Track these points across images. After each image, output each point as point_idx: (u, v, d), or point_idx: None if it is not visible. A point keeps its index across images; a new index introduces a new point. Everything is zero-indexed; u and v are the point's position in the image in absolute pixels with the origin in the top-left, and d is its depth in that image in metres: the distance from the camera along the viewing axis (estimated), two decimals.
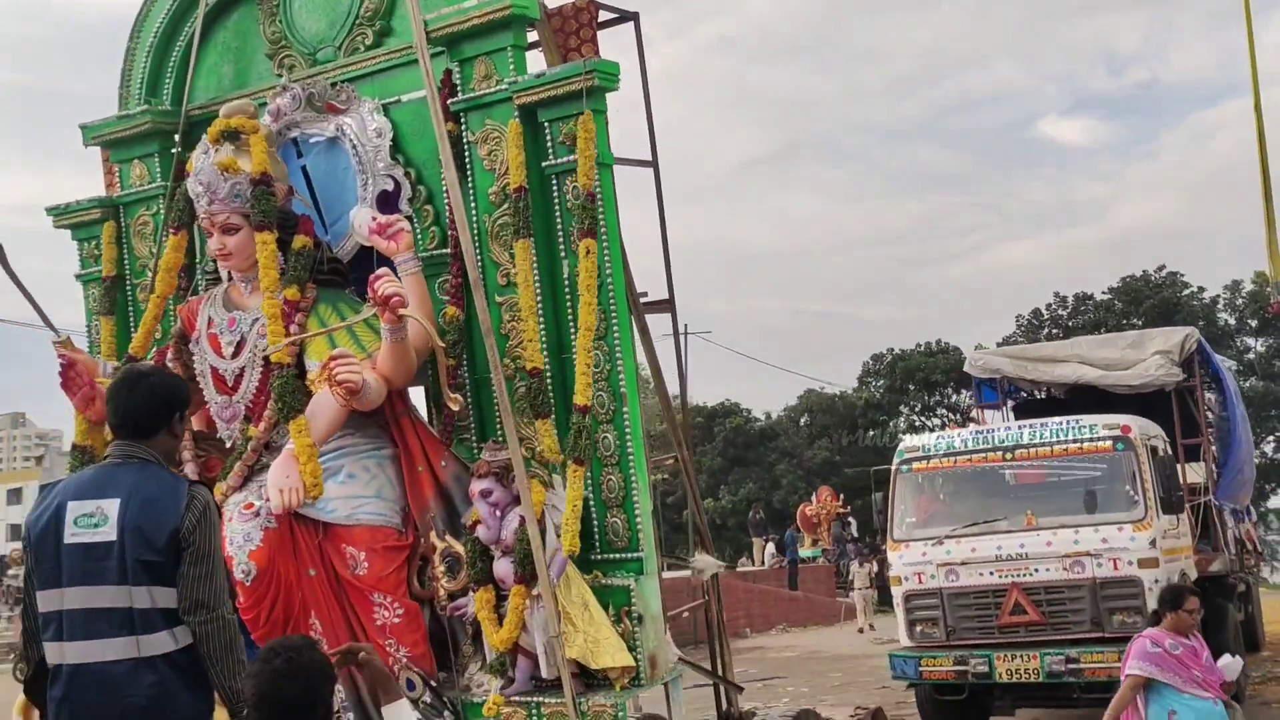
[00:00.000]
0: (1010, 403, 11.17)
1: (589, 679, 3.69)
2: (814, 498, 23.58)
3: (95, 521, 2.61)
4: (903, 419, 31.16)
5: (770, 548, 21.64)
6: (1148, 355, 10.54)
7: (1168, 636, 4.04)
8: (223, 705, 2.69)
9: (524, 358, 3.84)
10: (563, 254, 3.92)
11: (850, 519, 23.40)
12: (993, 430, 9.19)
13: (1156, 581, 9.47)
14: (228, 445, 4.10)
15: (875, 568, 17.79)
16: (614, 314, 3.80)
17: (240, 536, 3.74)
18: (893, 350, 31.25)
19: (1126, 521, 9.21)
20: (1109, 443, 9.57)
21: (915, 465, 8.27)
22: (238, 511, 3.83)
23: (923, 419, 31.39)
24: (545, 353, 3.84)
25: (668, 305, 4.29)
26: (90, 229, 5.13)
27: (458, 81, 4.09)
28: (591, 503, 3.82)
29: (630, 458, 3.79)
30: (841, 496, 23.21)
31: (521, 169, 3.86)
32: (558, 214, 3.93)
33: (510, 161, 3.88)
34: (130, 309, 4.99)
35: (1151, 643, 3.98)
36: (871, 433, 29.77)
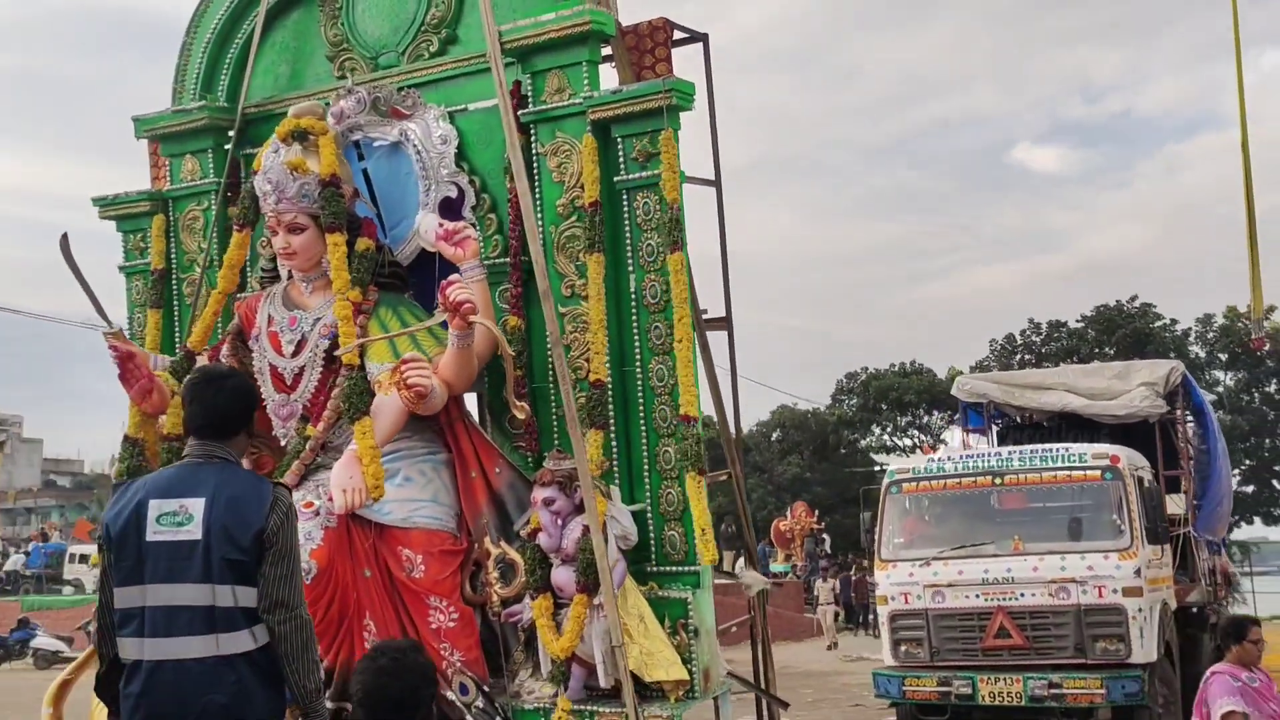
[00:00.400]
0: (994, 427, 11.32)
1: (641, 690, 3.71)
2: (789, 513, 23.68)
3: (179, 520, 2.62)
4: (874, 438, 31.40)
5: (741, 562, 21.71)
6: (1133, 386, 10.71)
7: (1241, 670, 4.05)
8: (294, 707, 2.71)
9: (589, 369, 3.87)
10: (630, 268, 3.95)
11: (825, 535, 23.51)
12: (983, 455, 9.30)
13: (1140, 610, 9.60)
14: (283, 443, 4.10)
15: (837, 585, 17.90)
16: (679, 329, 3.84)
17: (300, 535, 3.73)
18: (866, 369, 31.47)
19: (1113, 550, 9.33)
20: (1098, 472, 9.72)
21: (905, 487, 8.34)
22: (299, 509, 3.83)
23: (894, 439, 31.63)
24: (608, 365, 3.87)
25: (725, 323, 4.33)
26: (137, 221, 5.10)
27: (527, 93, 4.12)
28: (649, 515, 3.85)
29: (691, 471, 3.83)
30: (816, 513, 23.33)
31: (596, 184, 3.88)
32: (627, 229, 3.96)
33: (585, 176, 3.90)
34: (176, 303, 4.98)
35: (1231, 677, 3.99)
36: (843, 450, 29.93)
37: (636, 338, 3.92)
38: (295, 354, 4.06)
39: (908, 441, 30.99)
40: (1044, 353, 29.15)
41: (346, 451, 3.73)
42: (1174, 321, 29.66)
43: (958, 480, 8.53)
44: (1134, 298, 29.97)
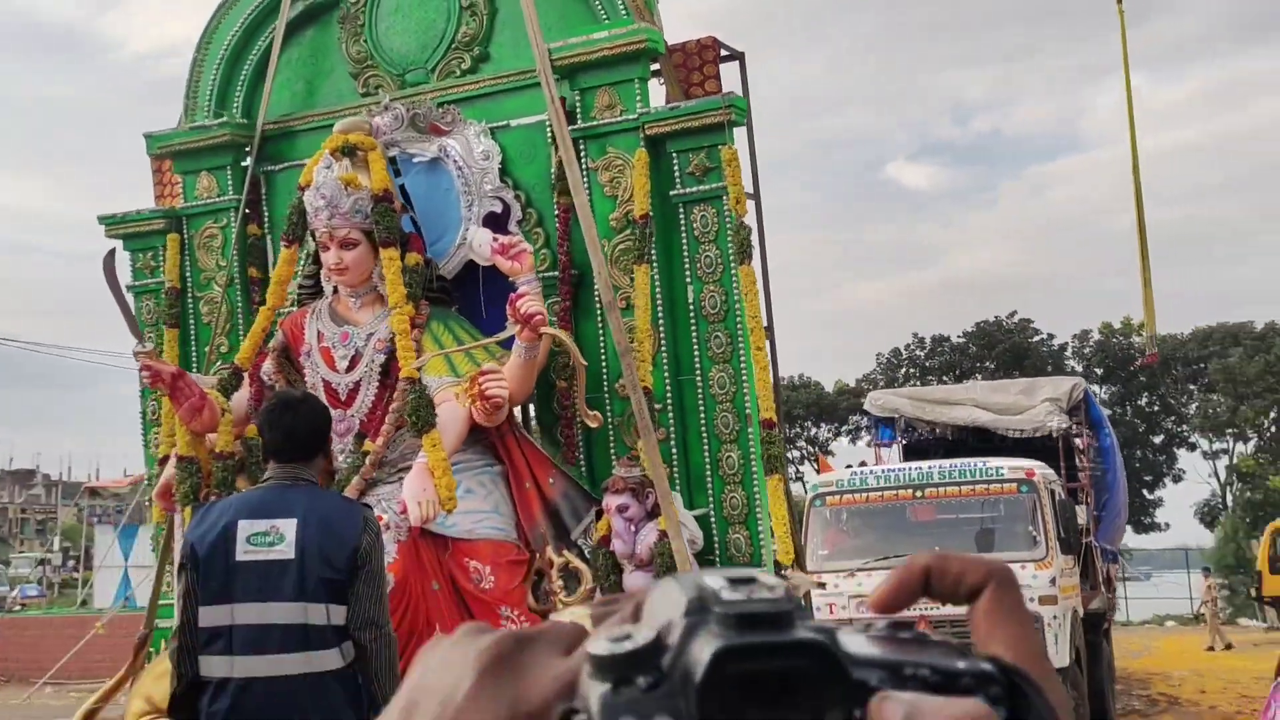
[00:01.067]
0: (902, 441, 11.77)
1: None
2: None
3: (271, 540, 2.65)
4: None
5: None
6: (1038, 402, 11.30)
7: None
8: None
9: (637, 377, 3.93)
10: (687, 279, 4.04)
11: None
12: (904, 469, 9.71)
13: (1055, 618, 10.12)
14: (339, 459, 4.04)
15: None
16: (740, 339, 3.94)
17: None
18: None
19: (1029, 560, 9.83)
20: (1014, 485, 10.24)
21: (828, 499, 8.60)
22: None
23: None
24: (666, 375, 3.94)
25: (768, 332, 4.44)
26: (147, 239, 4.96)
27: (574, 109, 4.17)
28: (712, 519, 3.92)
29: (754, 477, 3.92)
30: None
31: (647, 197, 3.94)
32: (683, 242, 4.04)
33: (636, 190, 3.96)
34: (192, 321, 4.85)
35: None
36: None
37: (695, 347, 3.99)
38: (349, 369, 4.01)
39: (795, 454, 31.59)
40: (928, 366, 30.28)
41: (417, 464, 3.70)
42: (1051, 336, 31.10)
43: (879, 493, 8.82)
44: (1013, 314, 31.32)
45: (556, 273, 4.16)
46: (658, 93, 4.17)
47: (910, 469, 9.78)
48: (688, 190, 4.00)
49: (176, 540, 4.07)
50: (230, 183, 4.79)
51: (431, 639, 0.43)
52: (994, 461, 10.40)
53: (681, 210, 4.03)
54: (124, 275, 5.00)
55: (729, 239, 3.94)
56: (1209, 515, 29.68)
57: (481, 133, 4.31)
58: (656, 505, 3.78)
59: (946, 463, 10.19)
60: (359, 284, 4.07)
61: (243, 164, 4.82)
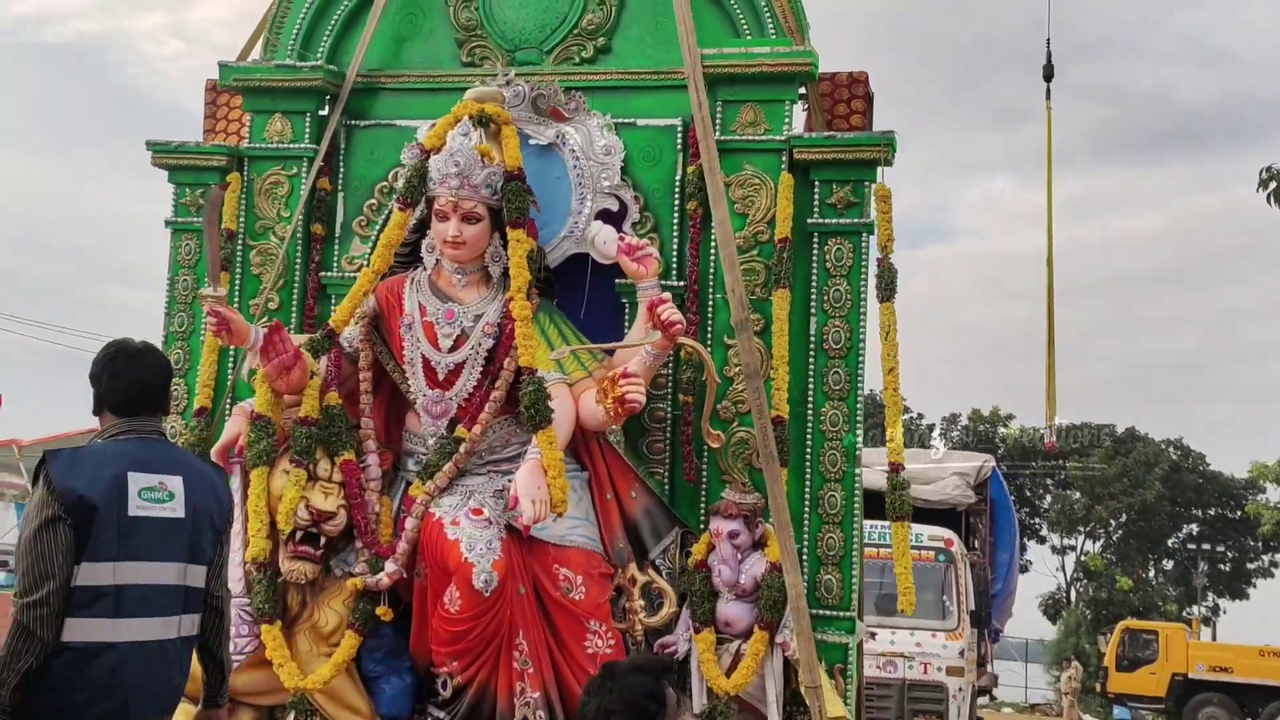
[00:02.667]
0: None
1: None
2: None
3: (160, 497, 2.61)
4: None
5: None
6: (947, 475, 11.80)
7: None
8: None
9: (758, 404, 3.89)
10: (811, 311, 4.03)
11: None
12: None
13: (959, 690, 10.53)
14: (429, 441, 3.84)
15: None
16: (860, 378, 3.96)
17: (482, 544, 3.50)
18: None
19: (940, 629, 10.25)
20: (932, 553, 10.66)
21: None
22: (466, 517, 3.59)
23: None
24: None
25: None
26: (197, 175, 4.64)
27: (712, 120, 4.13)
28: (805, 558, 3.90)
29: (855, 518, 3.93)
30: None
31: (788, 222, 3.94)
32: (814, 272, 4.05)
33: (779, 214, 3.94)
34: (239, 269, 4.55)
35: None
36: None
37: (811, 381, 3.99)
38: (453, 349, 3.84)
39: None
40: None
41: (529, 460, 3.56)
42: (921, 416, 32.56)
43: None
44: (875, 390, 32.69)
45: (671, 282, 4.08)
46: (797, 117, 4.18)
47: None
48: (826, 221, 4.02)
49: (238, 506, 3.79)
50: (307, 130, 4.54)
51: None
52: (914, 527, 10.69)
53: (817, 240, 4.03)
54: (165, 210, 4.70)
55: (862, 275, 3.96)
56: (1053, 608, 31.29)
57: (605, 126, 4.22)
58: (764, 535, 3.74)
59: (866, 524, 10.46)
60: (469, 261, 3.91)
61: (321, 113, 4.58)
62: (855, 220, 4.00)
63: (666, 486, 4.06)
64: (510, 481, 3.66)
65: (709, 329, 4.08)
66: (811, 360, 3.99)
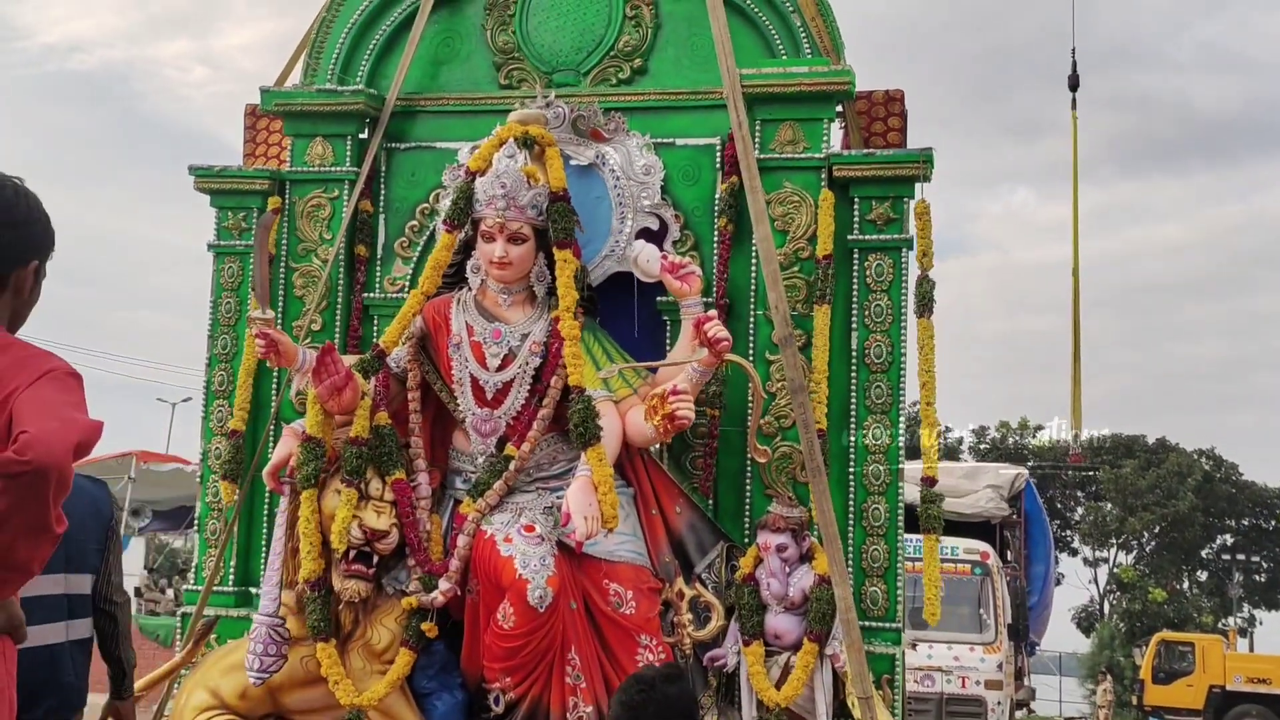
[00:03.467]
0: None
1: None
2: None
3: None
4: None
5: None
6: (980, 487, 11.93)
7: None
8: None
9: (793, 419, 4.04)
10: (852, 326, 4.18)
11: None
12: None
13: (999, 703, 10.63)
14: (479, 459, 4.00)
15: None
16: (902, 392, 4.10)
17: (536, 560, 3.66)
18: None
19: (977, 643, 10.37)
20: (968, 566, 10.79)
21: None
22: (518, 534, 3.75)
23: None
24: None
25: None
26: (241, 199, 4.83)
27: (754, 140, 4.29)
28: (850, 570, 4.03)
29: (899, 530, 4.07)
30: None
31: (830, 238, 4.10)
32: (853, 288, 4.20)
33: (821, 231, 4.10)
34: (282, 292, 4.73)
35: None
36: None
37: (853, 395, 4.14)
38: (500, 368, 4.00)
39: None
40: None
41: (580, 477, 3.71)
42: (949, 429, 32.77)
43: None
44: (914, 403, 33.02)
45: (710, 299, 4.24)
46: (834, 135, 4.33)
47: None
48: (866, 237, 4.17)
49: (278, 526, 3.96)
50: (348, 153, 4.72)
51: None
52: (949, 541, 10.91)
53: (857, 256, 4.18)
54: (208, 234, 4.88)
55: (902, 290, 4.11)
56: (1086, 621, 31.31)
57: (645, 146, 4.39)
58: (811, 548, 3.88)
59: (902, 538, 10.66)
60: (515, 281, 4.07)
61: (361, 136, 4.76)
62: (895, 236, 4.16)
63: (710, 502, 4.21)
64: (559, 498, 3.82)
65: (750, 345, 4.23)
66: (854, 375, 4.15)
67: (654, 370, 4.01)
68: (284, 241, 4.74)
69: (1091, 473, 32.83)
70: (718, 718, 3.95)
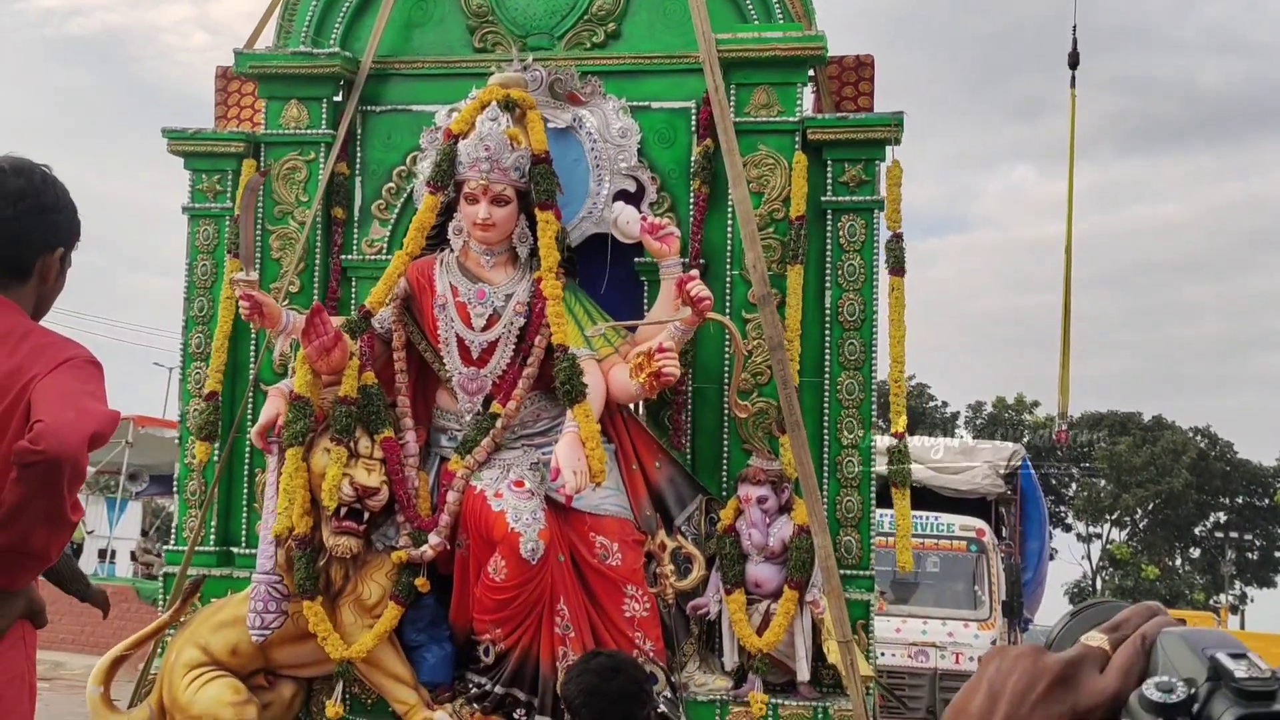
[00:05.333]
0: None
1: (817, 684, 4.40)
2: None
3: None
4: None
5: None
6: (977, 463, 12.62)
7: None
8: None
9: (770, 376, 4.54)
10: (826, 285, 4.67)
11: None
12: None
13: None
14: (466, 417, 4.45)
15: None
16: (875, 349, 4.61)
17: (528, 514, 4.12)
18: None
19: (972, 619, 11.05)
20: (964, 543, 11.46)
21: None
22: (508, 489, 4.21)
23: None
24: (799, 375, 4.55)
25: None
26: (214, 161, 5.22)
27: (729, 104, 4.75)
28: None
29: (872, 483, 4.58)
30: None
31: (804, 200, 4.58)
32: (826, 248, 4.68)
33: (794, 193, 4.58)
34: (258, 254, 5.13)
35: None
36: None
37: (827, 352, 4.64)
38: (485, 328, 4.45)
39: None
40: None
41: (568, 432, 4.17)
42: (945, 404, 33.85)
43: None
44: (912, 377, 34.22)
45: (687, 259, 4.71)
46: (805, 100, 4.81)
47: None
48: (839, 199, 4.66)
49: (269, 485, 4.39)
50: (324, 116, 5.13)
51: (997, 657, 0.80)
52: (945, 517, 11.57)
53: (830, 217, 4.67)
54: (182, 197, 5.27)
55: (874, 250, 4.61)
56: (1079, 597, 32.57)
57: (621, 109, 4.83)
58: (790, 499, 4.39)
59: (879, 511, 11.32)
60: (498, 243, 4.51)
61: (335, 99, 5.16)
62: (867, 197, 4.65)
63: (688, 457, 4.69)
64: (545, 455, 4.29)
65: (726, 305, 4.71)
66: (827, 332, 4.64)
67: (634, 329, 4.48)
68: (260, 204, 5.13)
69: (1086, 449, 33.96)
70: (700, 665, 4.46)
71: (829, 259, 4.67)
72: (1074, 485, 35.67)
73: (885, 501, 4.78)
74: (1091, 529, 34.16)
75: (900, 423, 4.51)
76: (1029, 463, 13.74)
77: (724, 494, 4.61)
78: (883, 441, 4.79)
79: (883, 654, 9.87)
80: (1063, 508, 34.81)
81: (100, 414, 2.12)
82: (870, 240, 4.65)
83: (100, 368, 2.24)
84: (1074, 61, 7.14)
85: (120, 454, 16.15)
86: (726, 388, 4.62)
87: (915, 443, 13.98)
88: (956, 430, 34.14)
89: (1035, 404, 35.03)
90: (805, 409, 4.59)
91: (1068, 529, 34.21)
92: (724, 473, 4.66)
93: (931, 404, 35.13)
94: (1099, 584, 33.11)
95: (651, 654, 4.26)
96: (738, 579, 4.35)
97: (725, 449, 4.68)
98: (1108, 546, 33.60)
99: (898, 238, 4.56)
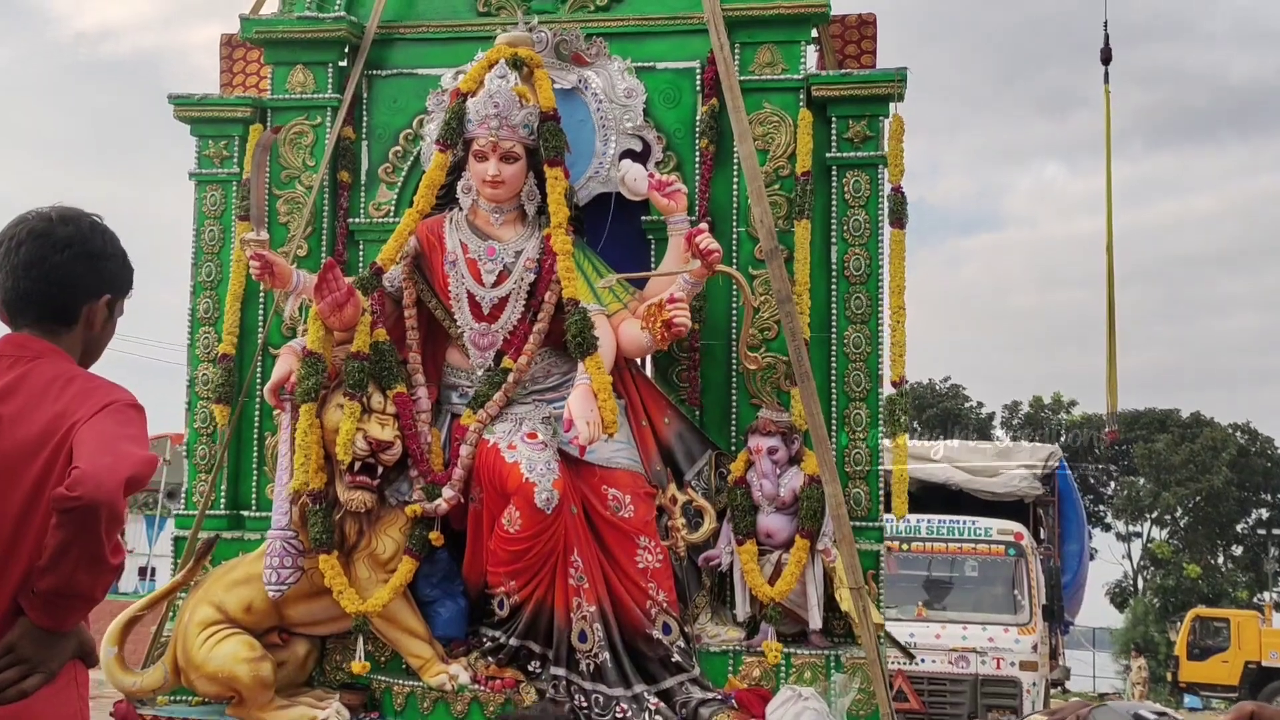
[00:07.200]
0: None
1: (829, 633, 4.79)
2: None
3: None
4: None
5: None
6: (1013, 466, 13.11)
7: None
8: None
9: (778, 330, 4.93)
10: (832, 240, 5.07)
11: None
12: (889, 522, 11.34)
13: (1034, 685, 11.82)
14: (479, 373, 4.84)
15: None
16: (882, 302, 5.00)
17: (542, 464, 4.51)
18: None
19: (1013, 624, 11.52)
20: (1002, 547, 11.93)
21: None
22: (521, 440, 4.60)
23: None
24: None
25: None
26: (222, 127, 5.63)
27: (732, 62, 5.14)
28: None
29: (880, 434, 4.98)
30: None
31: (809, 156, 4.97)
32: (831, 204, 5.08)
33: (800, 149, 4.97)
34: (267, 218, 5.53)
35: None
36: None
37: (834, 306, 5.03)
38: (496, 284, 4.84)
39: None
40: None
41: (580, 384, 4.55)
42: (980, 404, 34.56)
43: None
44: (947, 378, 34.92)
45: (694, 218, 5.11)
46: (810, 58, 5.21)
47: (896, 523, 11.36)
48: (844, 155, 5.06)
49: (283, 442, 4.78)
50: (330, 81, 5.53)
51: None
52: (982, 521, 12.07)
53: (835, 173, 5.06)
54: (189, 162, 5.68)
55: (879, 205, 5.00)
56: (1120, 597, 33.09)
57: (626, 70, 5.24)
58: (800, 451, 4.78)
59: (935, 518, 11.83)
60: (506, 200, 4.91)
61: (340, 63, 5.56)
62: (871, 153, 5.06)
63: (697, 412, 5.09)
64: (556, 409, 4.68)
65: (733, 261, 5.10)
66: (834, 286, 5.04)
67: (643, 283, 4.87)
68: (267, 169, 5.54)
69: (1124, 447, 34.45)
70: (712, 617, 4.86)
71: (834, 214, 5.07)
72: (1113, 484, 36.20)
73: (912, 505, 5.15)
74: (1131, 528, 34.73)
75: (899, 370, 4.90)
76: (1066, 464, 14.22)
77: (733, 449, 5.00)
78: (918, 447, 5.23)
79: (923, 660, 10.36)
80: (1102, 507, 35.36)
81: (137, 458, 2.25)
82: (875, 195, 5.05)
83: (142, 411, 2.40)
84: (1106, 58, 7.47)
85: (159, 472, 16.63)
86: (735, 342, 5.01)
87: (952, 446, 14.46)
88: (994, 432, 34.74)
89: (1073, 403, 35.63)
90: (814, 363, 4.98)
91: (1107, 528, 34.81)
92: (733, 428, 5.06)
93: (967, 405, 35.71)
94: (1140, 583, 33.66)
95: (665, 604, 4.64)
96: (749, 530, 4.74)
97: (734, 404, 5.08)
98: (1148, 545, 34.16)
99: (899, 191, 4.95)
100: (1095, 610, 32.45)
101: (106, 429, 2.26)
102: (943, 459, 13.22)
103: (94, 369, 2.56)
